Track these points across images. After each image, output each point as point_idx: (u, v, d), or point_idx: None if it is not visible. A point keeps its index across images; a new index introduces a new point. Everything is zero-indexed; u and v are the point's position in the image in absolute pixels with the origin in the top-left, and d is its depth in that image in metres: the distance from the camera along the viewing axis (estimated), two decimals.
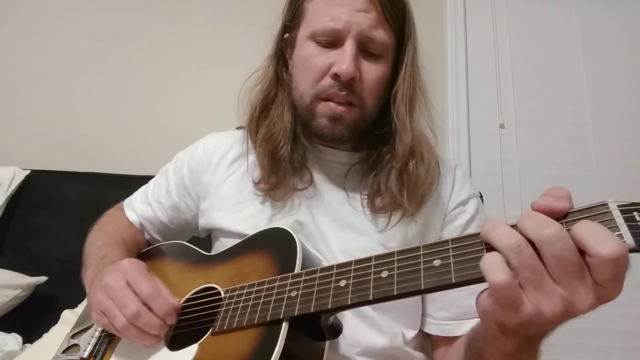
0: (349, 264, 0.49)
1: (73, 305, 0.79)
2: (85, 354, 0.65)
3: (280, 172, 0.73)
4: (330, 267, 0.51)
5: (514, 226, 0.39)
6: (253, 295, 0.55)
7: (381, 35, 0.69)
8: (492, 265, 0.37)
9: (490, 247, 0.40)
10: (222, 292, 0.60)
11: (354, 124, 0.70)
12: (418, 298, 0.72)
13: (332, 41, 0.69)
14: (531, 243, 0.37)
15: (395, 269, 0.45)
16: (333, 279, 0.49)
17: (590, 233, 0.35)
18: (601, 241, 0.34)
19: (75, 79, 1.71)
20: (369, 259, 0.48)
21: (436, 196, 0.75)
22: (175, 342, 0.60)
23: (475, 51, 1.78)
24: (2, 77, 1.70)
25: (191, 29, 1.76)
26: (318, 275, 0.51)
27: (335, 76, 0.67)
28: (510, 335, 0.41)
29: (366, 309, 0.67)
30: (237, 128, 0.86)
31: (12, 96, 1.69)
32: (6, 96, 1.69)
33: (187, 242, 0.77)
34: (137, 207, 0.86)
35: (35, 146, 1.64)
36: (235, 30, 1.74)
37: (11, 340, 1.13)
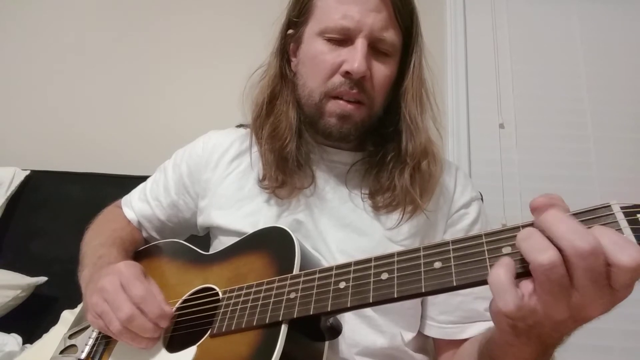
0: (348, 265, 0.49)
1: (73, 305, 0.79)
2: (83, 355, 0.64)
3: (287, 169, 0.72)
4: (330, 268, 0.50)
5: (532, 224, 0.37)
6: (251, 297, 0.54)
7: (391, 35, 0.69)
8: (499, 288, 0.35)
9: (491, 249, 0.39)
10: (220, 293, 0.60)
11: (362, 122, 0.70)
12: (417, 301, 0.72)
13: (342, 39, 0.68)
14: (557, 246, 0.34)
15: (395, 271, 0.44)
16: (332, 280, 0.49)
17: (608, 241, 0.33)
18: (621, 249, 0.32)
19: (75, 79, 1.70)
20: (368, 260, 0.47)
21: (440, 197, 0.75)
22: (174, 344, 0.60)
23: (475, 51, 1.78)
24: (2, 78, 1.70)
25: (191, 29, 1.75)
26: (317, 276, 0.50)
27: (347, 74, 0.67)
28: (525, 339, 0.40)
29: (366, 309, 0.67)
30: (237, 126, 0.86)
31: (12, 96, 1.69)
32: (6, 96, 1.69)
33: (186, 240, 0.77)
34: (135, 205, 0.86)
35: (35, 146, 1.63)
36: (235, 30, 1.73)
37: (11, 341, 1.13)
